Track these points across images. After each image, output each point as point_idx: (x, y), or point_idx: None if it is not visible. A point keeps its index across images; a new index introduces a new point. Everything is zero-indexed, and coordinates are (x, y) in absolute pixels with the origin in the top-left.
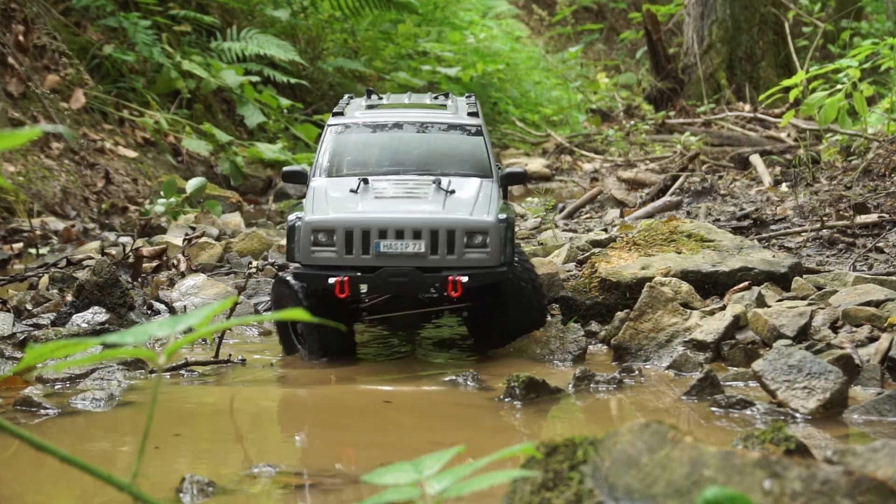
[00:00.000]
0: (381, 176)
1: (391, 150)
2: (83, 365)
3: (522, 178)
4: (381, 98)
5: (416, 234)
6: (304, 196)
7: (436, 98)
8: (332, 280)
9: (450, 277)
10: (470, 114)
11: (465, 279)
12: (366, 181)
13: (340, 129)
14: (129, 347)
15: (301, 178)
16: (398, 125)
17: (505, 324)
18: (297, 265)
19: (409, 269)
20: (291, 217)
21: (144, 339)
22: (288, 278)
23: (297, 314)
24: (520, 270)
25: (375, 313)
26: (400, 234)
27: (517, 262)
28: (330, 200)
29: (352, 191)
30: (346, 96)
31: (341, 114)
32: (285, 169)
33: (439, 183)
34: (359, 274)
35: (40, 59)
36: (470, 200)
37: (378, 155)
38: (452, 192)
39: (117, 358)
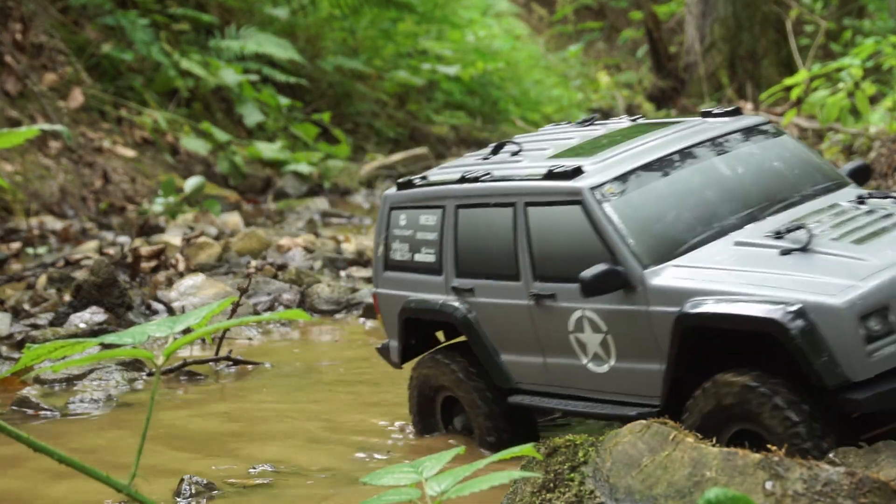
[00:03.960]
0: (742, 227)
1: (715, 188)
2: (81, 365)
3: (868, 173)
4: (519, 148)
5: None
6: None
7: (585, 123)
8: None
9: None
10: (727, 113)
11: None
12: (779, 234)
13: (619, 188)
14: (127, 348)
15: (619, 280)
16: (689, 154)
17: None
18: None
19: None
20: (777, 313)
21: (143, 340)
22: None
23: (297, 314)
24: None
25: None
26: None
27: None
28: (800, 271)
29: (783, 252)
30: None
31: (571, 174)
32: (589, 277)
33: (860, 200)
34: None
35: (38, 57)
36: None
37: (705, 199)
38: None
39: (116, 358)
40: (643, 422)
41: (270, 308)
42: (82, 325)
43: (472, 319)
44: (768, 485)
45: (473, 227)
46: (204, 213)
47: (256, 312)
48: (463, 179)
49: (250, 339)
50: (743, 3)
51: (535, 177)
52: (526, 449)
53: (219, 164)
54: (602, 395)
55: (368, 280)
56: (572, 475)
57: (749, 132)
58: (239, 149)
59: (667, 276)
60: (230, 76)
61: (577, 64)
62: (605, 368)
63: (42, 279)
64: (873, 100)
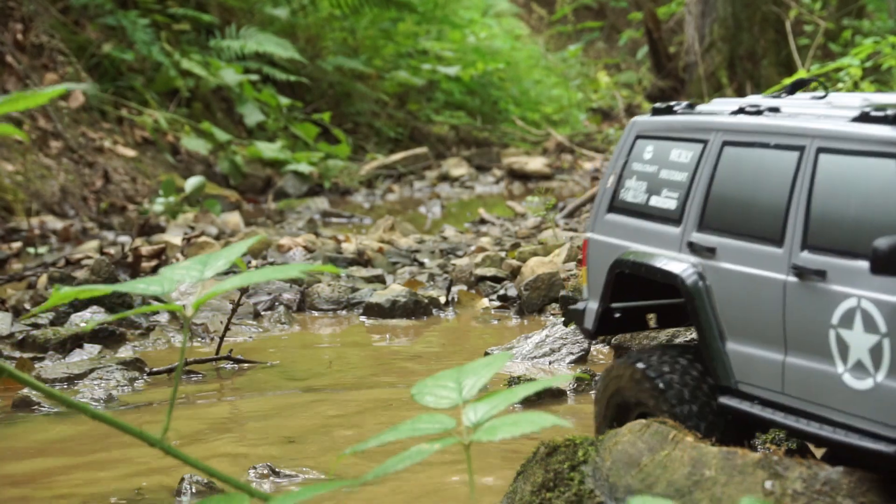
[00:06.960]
0: None
1: None
2: (81, 365)
3: None
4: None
5: None
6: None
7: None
8: None
9: None
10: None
11: None
12: None
13: None
14: (154, 292)
15: None
16: None
17: None
18: None
19: None
20: None
21: (171, 289)
22: None
23: (328, 268)
24: None
25: None
26: None
27: None
28: None
29: None
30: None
31: (893, 119)
32: (885, 245)
33: None
34: None
35: (38, 57)
36: None
37: None
38: None
39: (116, 358)
40: (643, 421)
41: (271, 307)
42: (83, 325)
43: (702, 287)
44: (768, 484)
45: (738, 170)
46: (204, 212)
47: (257, 312)
48: (740, 111)
49: (249, 338)
50: (743, 3)
51: (839, 117)
52: (570, 376)
53: (219, 163)
54: (853, 420)
55: (369, 280)
56: (572, 474)
57: None
58: (239, 149)
59: None
60: (230, 76)
61: (577, 64)
62: (866, 384)
63: (43, 279)
64: None
